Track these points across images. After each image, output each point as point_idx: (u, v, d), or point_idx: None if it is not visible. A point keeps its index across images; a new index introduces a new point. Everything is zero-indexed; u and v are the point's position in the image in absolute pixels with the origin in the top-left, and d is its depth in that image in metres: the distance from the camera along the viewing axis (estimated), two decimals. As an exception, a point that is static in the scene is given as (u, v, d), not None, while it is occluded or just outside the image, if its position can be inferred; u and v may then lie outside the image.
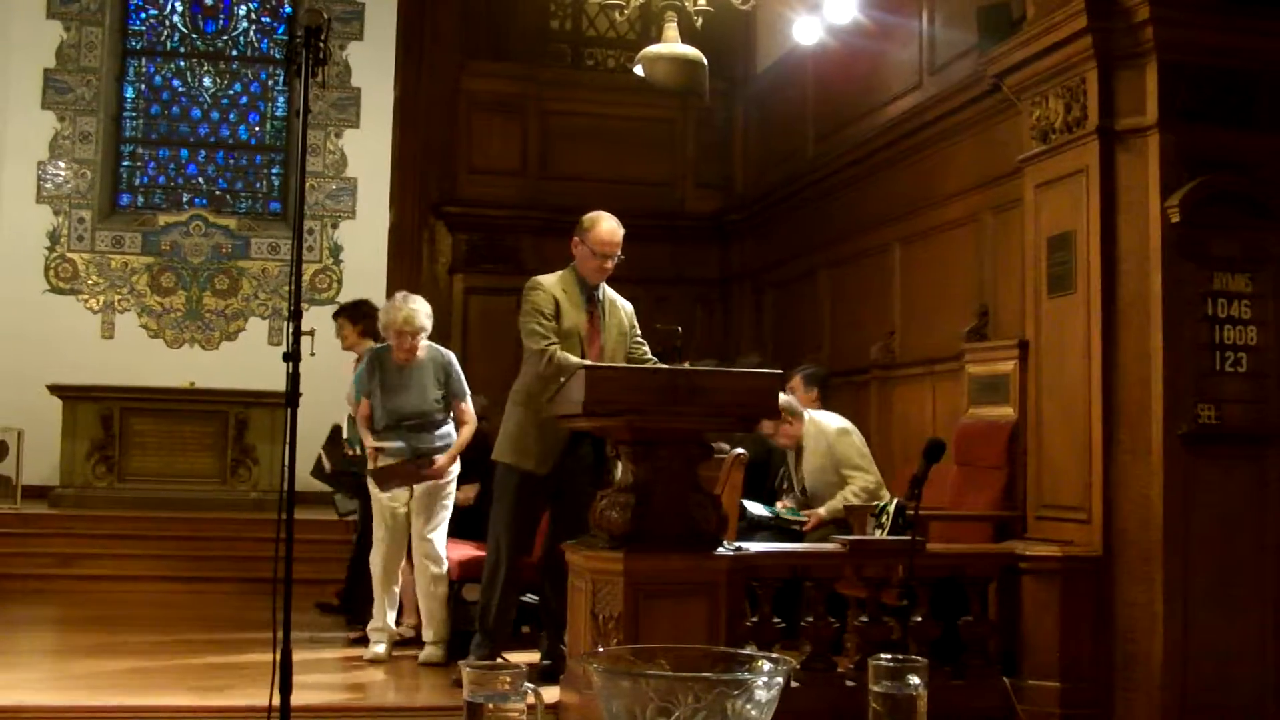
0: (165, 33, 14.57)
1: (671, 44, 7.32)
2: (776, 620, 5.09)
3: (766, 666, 1.61)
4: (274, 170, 14.68)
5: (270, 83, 14.73)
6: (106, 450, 11.24)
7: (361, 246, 13.53)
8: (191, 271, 13.97)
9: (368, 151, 13.70)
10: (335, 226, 14.23)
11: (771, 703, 1.54)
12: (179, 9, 14.55)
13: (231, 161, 14.70)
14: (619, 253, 5.91)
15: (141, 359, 13.30)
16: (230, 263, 14.07)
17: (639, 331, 6.10)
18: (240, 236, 14.14)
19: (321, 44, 4.21)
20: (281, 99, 14.65)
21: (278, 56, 14.53)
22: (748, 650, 1.95)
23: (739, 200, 11.14)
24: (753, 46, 11.30)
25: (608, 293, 6.06)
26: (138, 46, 14.53)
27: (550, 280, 5.94)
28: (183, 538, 9.92)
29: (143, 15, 14.53)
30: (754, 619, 5.07)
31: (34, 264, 13.64)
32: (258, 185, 14.68)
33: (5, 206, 13.55)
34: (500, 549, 5.95)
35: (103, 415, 11.24)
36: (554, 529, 6.00)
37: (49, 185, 13.77)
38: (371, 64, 13.60)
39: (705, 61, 7.40)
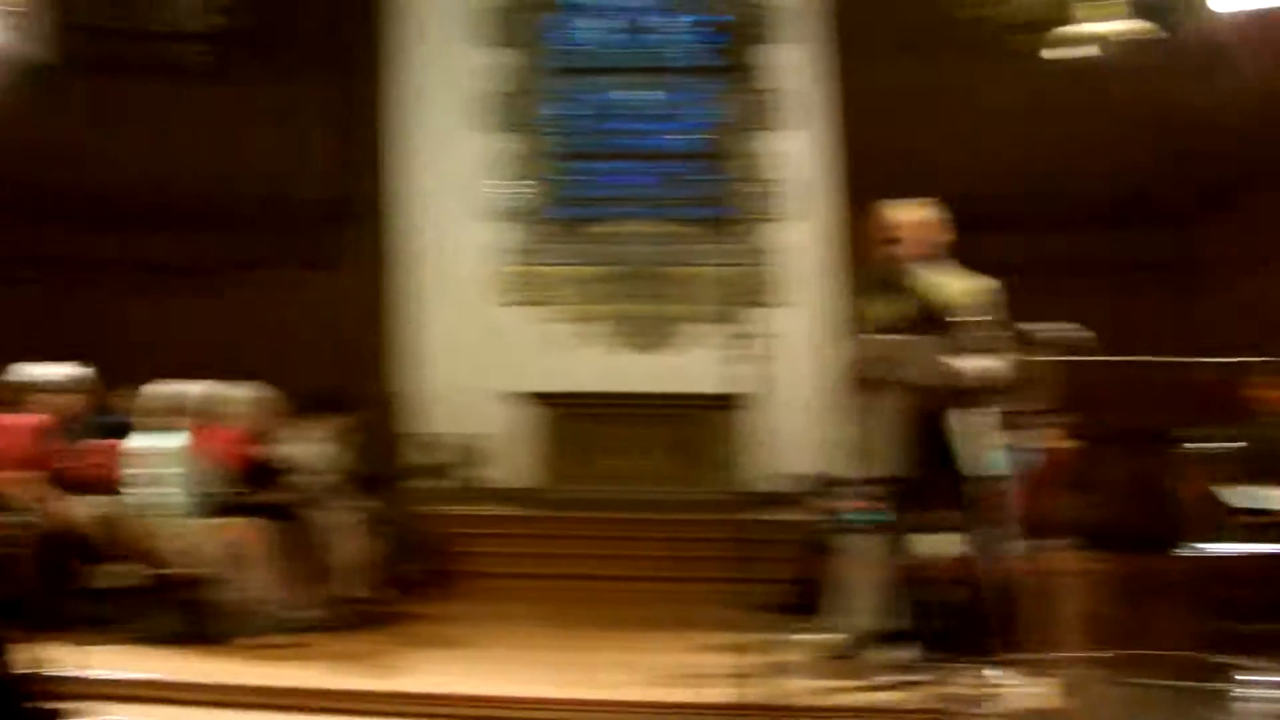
0: (598, 50, 15.18)
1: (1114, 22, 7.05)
2: (1261, 625, 4.82)
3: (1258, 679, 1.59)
4: (710, 176, 15.01)
5: (705, 91, 15.04)
6: (569, 454, 11.84)
7: (798, 249, 13.75)
8: (635, 280, 14.54)
9: (798, 153, 13.84)
10: (770, 229, 14.39)
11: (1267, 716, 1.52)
12: (611, 26, 15.15)
13: (668, 170, 15.18)
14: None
15: (595, 365, 13.82)
16: (672, 269, 14.52)
17: None
18: (680, 243, 14.60)
19: (751, 50, 4.33)
20: (715, 106, 14.95)
21: (711, 65, 14.89)
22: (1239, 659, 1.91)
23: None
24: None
25: None
26: (573, 66, 15.17)
27: None
28: (652, 539, 10.19)
29: (575, 34, 15.21)
30: (1231, 623, 4.82)
31: (491, 279, 14.44)
32: (695, 192, 15.02)
33: (459, 226, 14.42)
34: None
35: (566, 420, 11.79)
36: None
37: (496, 203, 14.61)
38: (799, 65, 13.67)
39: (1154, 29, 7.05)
